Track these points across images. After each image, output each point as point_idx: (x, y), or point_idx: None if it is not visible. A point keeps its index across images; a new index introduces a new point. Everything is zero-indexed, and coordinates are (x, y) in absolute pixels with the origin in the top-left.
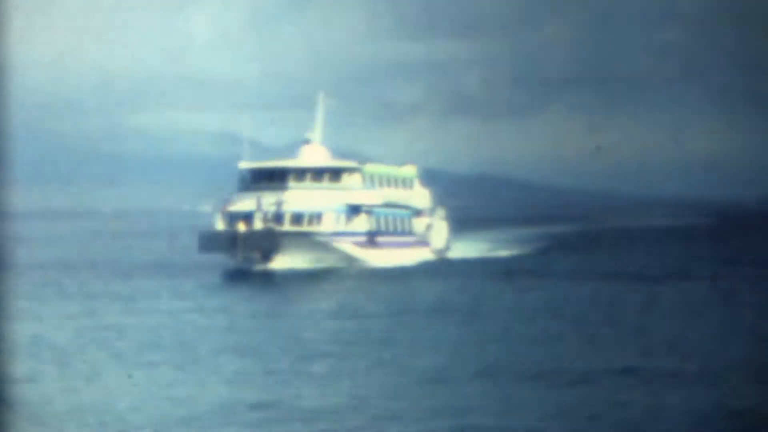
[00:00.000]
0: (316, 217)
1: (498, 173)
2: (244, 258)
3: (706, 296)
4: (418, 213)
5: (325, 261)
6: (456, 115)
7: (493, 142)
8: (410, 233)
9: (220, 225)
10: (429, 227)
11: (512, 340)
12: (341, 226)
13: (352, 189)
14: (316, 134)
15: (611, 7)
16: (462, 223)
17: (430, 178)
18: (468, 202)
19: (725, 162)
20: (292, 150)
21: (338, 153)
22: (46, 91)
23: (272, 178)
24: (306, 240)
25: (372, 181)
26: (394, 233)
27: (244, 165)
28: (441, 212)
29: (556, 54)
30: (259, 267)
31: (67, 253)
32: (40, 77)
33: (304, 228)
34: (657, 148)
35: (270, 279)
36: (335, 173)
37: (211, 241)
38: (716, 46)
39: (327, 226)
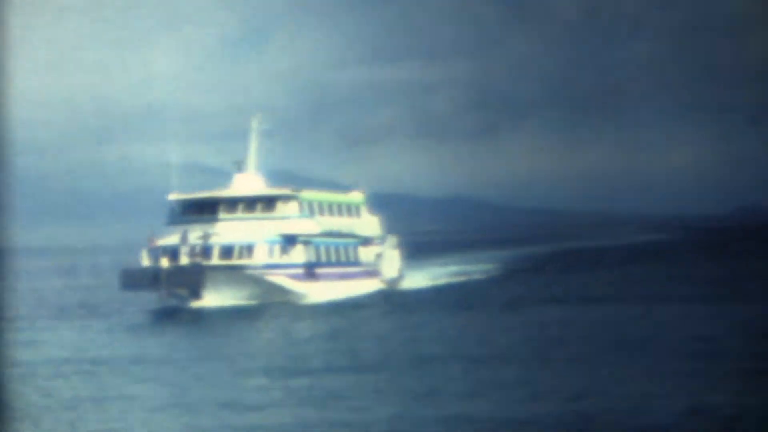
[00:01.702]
0: (247, 249)
1: (469, 196)
2: (170, 295)
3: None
4: (365, 241)
5: (258, 296)
6: (425, 139)
7: (463, 164)
8: (356, 263)
9: (145, 261)
10: (379, 256)
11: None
12: (275, 258)
13: (288, 218)
14: (250, 161)
15: (580, 22)
16: (426, 249)
17: (398, 202)
18: (439, 226)
19: (699, 176)
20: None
21: (304, 181)
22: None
23: (202, 210)
24: (235, 274)
25: (311, 208)
26: (337, 264)
27: (174, 196)
28: (393, 240)
29: (526, 74)
30: (188, 305)
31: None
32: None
33: (234, 261)
34: (631, 165)
35: (196, 318)
36: (269, 202)
37: (132, 278)
38: (687, 58)
39: (259, 258)
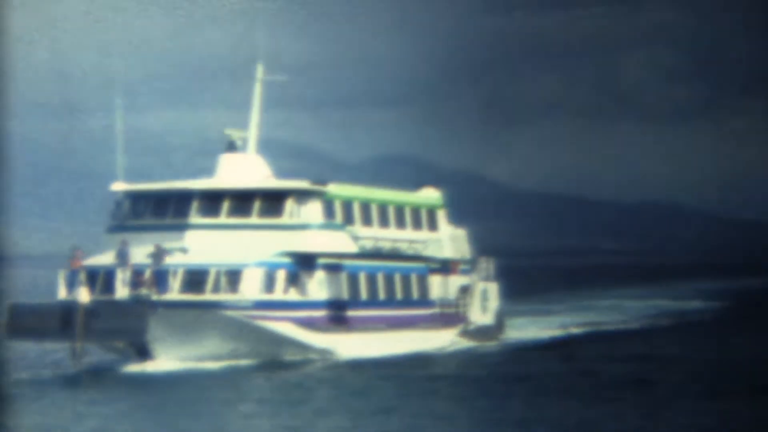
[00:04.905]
0: (230, 276)
1: (663, 201)
2: (92, 348)
3: None
4: (441, 268)
5: (246, 353)
6: (608, 118)
7: (663, 156)
8: (423, 302)
9: (62, 291)
10: (464, 291)
11: None
12: (277, 292)
13: (303, 227)
14: (250, 136)
15: None
16: (593, 277)
17: (565, 207)
18: (620, 244)
19: None
20: (363, 168)
21: (430, 169)
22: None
23: (163, 209)
24: (207, 317)
25: (346, 213)
26: (389, 303)
27: (118, 187)
28: (487, 266)
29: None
30: (124, 367)
31: None
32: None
33: (207, 296)
34: None
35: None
36: (273, 200)
37: (26, 321)
38: None
39: (249, 290)
